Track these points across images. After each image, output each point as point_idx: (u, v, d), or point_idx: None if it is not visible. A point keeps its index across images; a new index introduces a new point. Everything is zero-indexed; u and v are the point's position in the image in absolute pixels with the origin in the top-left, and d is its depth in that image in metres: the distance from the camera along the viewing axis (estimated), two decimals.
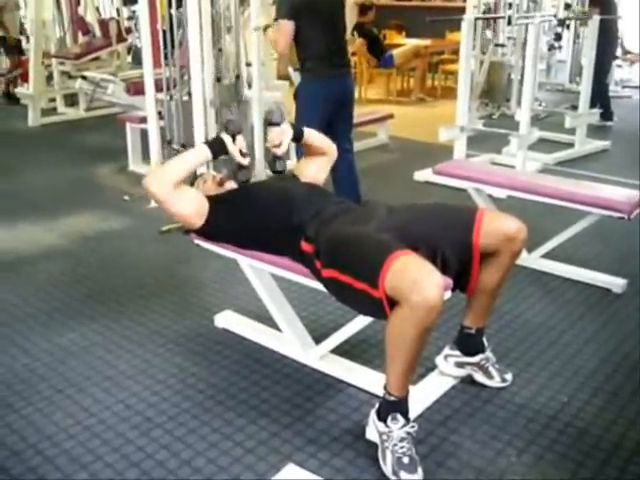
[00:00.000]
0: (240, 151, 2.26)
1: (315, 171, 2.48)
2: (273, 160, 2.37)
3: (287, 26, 3.56)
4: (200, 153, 2.29)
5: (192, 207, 2.24)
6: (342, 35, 3.89)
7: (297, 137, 2.38)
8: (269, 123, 2.33)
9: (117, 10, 8.86)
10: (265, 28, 4.27)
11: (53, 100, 7.19)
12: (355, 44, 7.94)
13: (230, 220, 2.28)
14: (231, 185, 2.41)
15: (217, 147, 2.26)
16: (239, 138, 2.27)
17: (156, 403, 2.25)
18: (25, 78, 7.00)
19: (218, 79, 3.93)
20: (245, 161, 2.29)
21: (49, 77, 7.09)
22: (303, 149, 2.56)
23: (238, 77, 4.04)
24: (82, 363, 2.49)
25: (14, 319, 2.83)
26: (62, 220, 4.05)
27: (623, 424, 2.12)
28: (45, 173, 5.08)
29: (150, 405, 2.23)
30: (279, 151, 2.33)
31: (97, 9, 8.08)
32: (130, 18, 8.83)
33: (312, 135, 2.46)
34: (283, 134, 2.32)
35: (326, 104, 3.72)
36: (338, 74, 3.76)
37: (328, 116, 3.72)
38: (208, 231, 2.31)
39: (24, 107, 6.75)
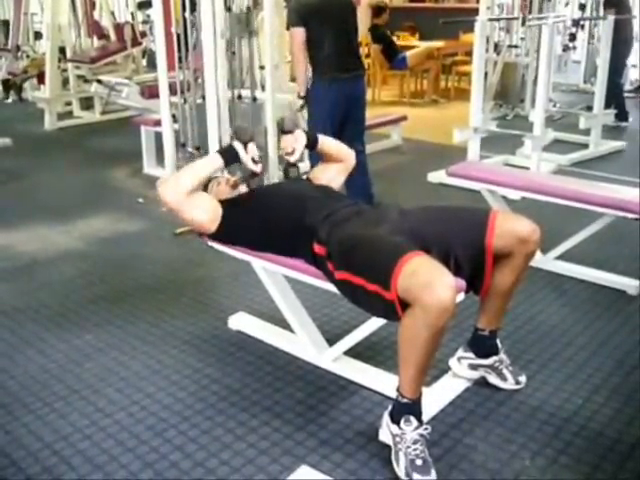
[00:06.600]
0: (252, 159, 2.27)
1: (331, 177, 2.48)
2: (286, 167, 2.38)
3: (298, 32, 3.70)
4: (213, 162, 2.31)
5: (206, 215, 2.26)
6: (353, 38, 3.92)
7: (311, 144, 2.39)
8: (282, 131, 2.34)
9: (132, 14, 8.91)
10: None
11: (69, 104, 7.26)
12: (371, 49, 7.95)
13: (243, 223, 2.29)
14: (244, 188, 2.42)
15: (229, 156, 2.27)
16: (251, 146, 2.27)
17: (170, 404, 2.26)
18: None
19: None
20: (258, 169, 2.29)
21: (65, 81, 7.16)
22: (319, 156, 2.55)
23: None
24: (97, 364, 2.51)
25: (30, 320, 2.86)
26: (77, 222, 4.09)
27: (639, 427, 2.10)
28: (61, 176, 5.13)
29: (164, 406, 2.25)
30: (292, 158, 2.34)
31: (112, 13, 8.13)
32: (145, 22, 8.87)
33: (327, 142, 2.46)
34: (296, 141, 2.32)
35: (337, 106, 3.76)
36: (349, 77, 3.80)
37: (339, 118, 3.76)
38: (222, 235, 2.32)
39: (40, 111, 6.83)
